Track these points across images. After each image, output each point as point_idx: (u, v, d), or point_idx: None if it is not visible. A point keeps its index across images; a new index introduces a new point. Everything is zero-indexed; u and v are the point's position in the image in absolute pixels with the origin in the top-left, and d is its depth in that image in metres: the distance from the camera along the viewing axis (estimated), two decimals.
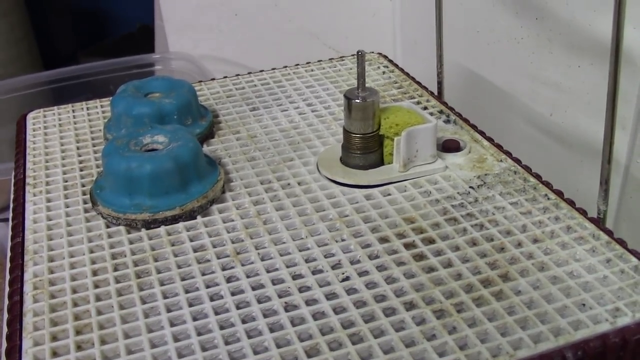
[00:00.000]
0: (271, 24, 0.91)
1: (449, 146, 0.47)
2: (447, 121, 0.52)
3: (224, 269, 0.37)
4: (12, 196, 0.46)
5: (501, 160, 0.46)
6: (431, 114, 0.53)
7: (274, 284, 0.36)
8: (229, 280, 0.37)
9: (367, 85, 0.44)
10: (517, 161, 0.46)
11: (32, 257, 0.39)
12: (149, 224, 0.41)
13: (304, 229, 0.40)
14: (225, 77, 0.61)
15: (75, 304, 0.35)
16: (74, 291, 0.36)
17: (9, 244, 0.41)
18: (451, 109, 0.53)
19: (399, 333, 0.33)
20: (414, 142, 0.44)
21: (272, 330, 0.33)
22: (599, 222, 0.40)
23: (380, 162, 0.45)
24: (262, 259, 0.38)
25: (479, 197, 0.42)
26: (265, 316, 0.34)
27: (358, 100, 0.43)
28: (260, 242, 0.39)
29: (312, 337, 0.33)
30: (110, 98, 0.52)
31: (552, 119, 0.66)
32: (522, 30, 0.66)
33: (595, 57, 0.59)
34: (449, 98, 0.60)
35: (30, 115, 0.56)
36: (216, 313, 0.34)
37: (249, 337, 0.33)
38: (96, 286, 0.37)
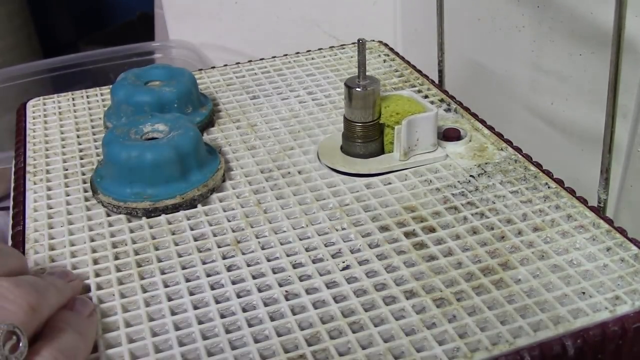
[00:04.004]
0: (272, 11, 0.90)
1: (449, 135, 0.47)
2: (448, 110, 0.52)
3: (224, 258, 0.37)
4: (12, 185, 0.46)
5: (502, 149, 0.46)
6: (432, 102, 0.53)
7: (274, 272, 0.36)
8: (229, 268, 0.37)
9: (367, 73, 0.44)
10: (518, 150, 0.46)
11: (32, 245, 0.39)
12: (150, 213, 0.41)
13: (304, 218, 0.40)
14: (225, 65, 0.61)
15: None
16: None
17: (10, 232, 0.41)
18: (452, 97, 0.53)
19: (399, 321, 0.33)
20: (414, 131, 0.44)
21: (272, 319, 0.33)
22: (599, 210, 0.40)
23: (380, 151, 0.45)
24: (263, 248, 0.38)
25: (479, 185, 0.42)
26: (265, 305, 0.34)
27: (359, 89, 0.43)
28: (261, 231, 0.39)
29: (312, 326, 0.33)
30: (110, 86, 0.52)
31: (553, 107, 0.65)
32: (524, 19, 0.65)
33: (596, 46, 0.58)
34: (449, 87, 0.60)
35: (30, 104, 0.56)
36: (217, 301, 0.35)
37: (250, 325, 0.33)
38: (97, 274, 0.37)
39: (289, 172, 0.45)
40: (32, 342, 0.28)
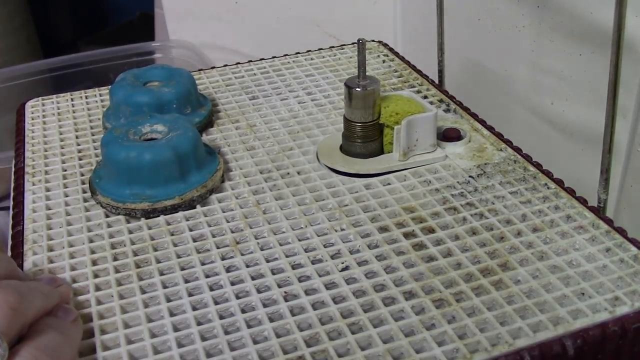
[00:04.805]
0: (271, 11, 0.90)
1: (449, 135, 0.47)
2: (447, 110, 0.52)
3: (223, 259, 0.37)
4: (12, 185, 0.46)
5: (501, 150, 0.46)
6: (431, 102, 0.53)
7: (273, 273, 0.36)
8: (228, 269, 0.37)
9: (367, 73, 0.44)
10: (517, 150, 0.46)
11: (31, 246, 0.39)
12: (149, 214, 0.41)
13: (303, 219, 0.40)
14: (225, 65, 0.61)
15: (74, 294, 0.35)
16: (74, 280, 0.36)
17: (10, 232, 0.41)
18: (451, 97, 0.53)
19: (399, 322, 0.33)
20: (414, 131, 0.44)
21: (271, 320, 0.33)
22: (598, 211, 0.40)
23: (380, 151, 0.45)
24: (262, 249, 0.38)
25: (478, 186, 0.42)
26: (264, 306, 0.34)
27: (359, 89, 0.43)
28: (260, 232, 0.39)
29: (311, 327, 0.33)
30: (109, 87, 0.51)
31: (552, 107, 0.65)
32: (524, 18, 0.65)
33: (596, 46, 0.58)
34: (449, 87, 0.60)
35: (29, 104, 0.56)
36: (216, 302, 0.34)
37: (249, 326, 0.33)
38: (96, 276, 0.37)
39: (288, 173, 0.45)
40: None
